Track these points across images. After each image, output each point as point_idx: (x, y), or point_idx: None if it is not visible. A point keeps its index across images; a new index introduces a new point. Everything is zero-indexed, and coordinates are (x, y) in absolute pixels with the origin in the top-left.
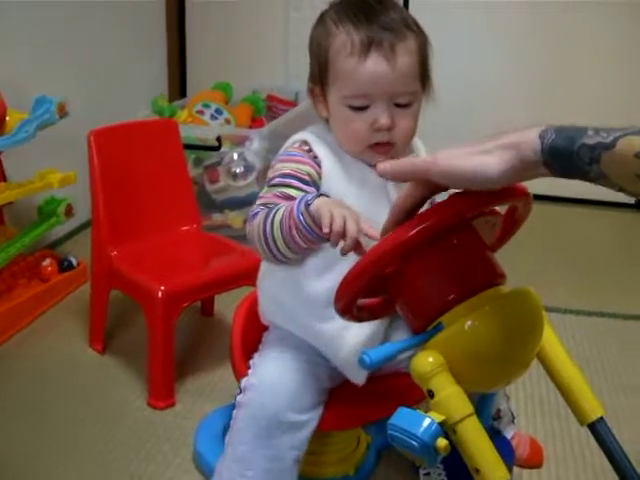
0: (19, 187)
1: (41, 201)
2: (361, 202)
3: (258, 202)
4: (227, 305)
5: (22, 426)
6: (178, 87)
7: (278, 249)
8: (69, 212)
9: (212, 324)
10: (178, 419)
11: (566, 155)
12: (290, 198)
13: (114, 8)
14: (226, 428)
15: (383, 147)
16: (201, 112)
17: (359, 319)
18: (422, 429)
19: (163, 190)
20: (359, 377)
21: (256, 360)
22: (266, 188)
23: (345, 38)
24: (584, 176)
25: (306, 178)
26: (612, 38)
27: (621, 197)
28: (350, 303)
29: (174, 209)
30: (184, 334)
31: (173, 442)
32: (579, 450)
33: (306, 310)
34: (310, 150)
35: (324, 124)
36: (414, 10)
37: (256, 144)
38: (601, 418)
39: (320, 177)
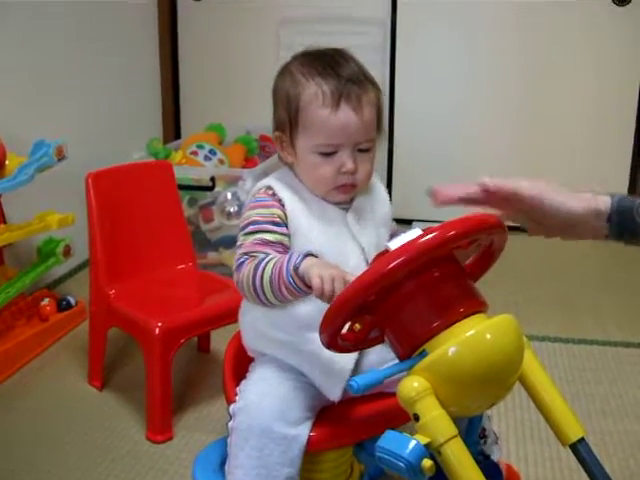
0: (19, 229)
1: (40, 242)
2: (325, 236)
3: (240, 251)
4: (223, 342)
5: (23, 462)
6: (172, 129)
7: (268, 300)
8: (67, 252)
9: (208, 360)
10: (176, 452)
11: (627, 210)
12: (268, 243)
13: (109, 56)
14: (224, 459)
15: (347, 187)
16: (195, 153)
17: (344, 350)
18: (408, 451)
19: (158, 230)
20: (334, 394)
21: (242, 386)
22: (242, 236)
23: (316, 90)
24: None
25: (277, 220)
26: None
27: None
28: (334, 334)
29: (169, 248)
30: (181, 370)
31: (171, 475)
32: (568, 474)
33: (285, 334)
34: (274, 194)
35: (286, 169)
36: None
37: (249, 183)
38: (582, 439)
39: (286, 217)
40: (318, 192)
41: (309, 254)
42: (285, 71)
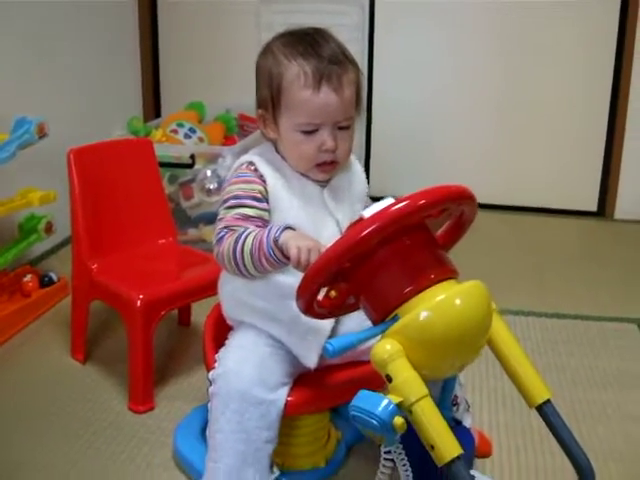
0: (1, 205)
1: (22, 219)
2: (303, 213)
3: (220, 225)
4: (203, 315)
5: (5, 434)
6: (152, 108)
7: (248, 272)
8: (49, 229)
9: (189, 333)
10: (157, 421)
11: None
12: (248, 218)
13: (89, 34)
14: (204, 427)
15: (328, 165)
16: (175, 131)
17: (320, 316)
18: (380, 408)
19: (139, 205)
20: (310, 360)
21: (221, 353)
22: (223, 210)
23: (298, 70)
24: None
25: (258, 196)
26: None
27: (582, 205)
28: (310, 300)
29: (150, 223)
30: (162, 343)
31: (153, 443)
32: (539, 440)
33: (265, 302)
34: (256, 170)
35: (269, 145)
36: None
37: (228, 161)
38: (548, 400)
39: (267, 193)
40: (300, 169)
41: (288, 227)
42: (267, 51)
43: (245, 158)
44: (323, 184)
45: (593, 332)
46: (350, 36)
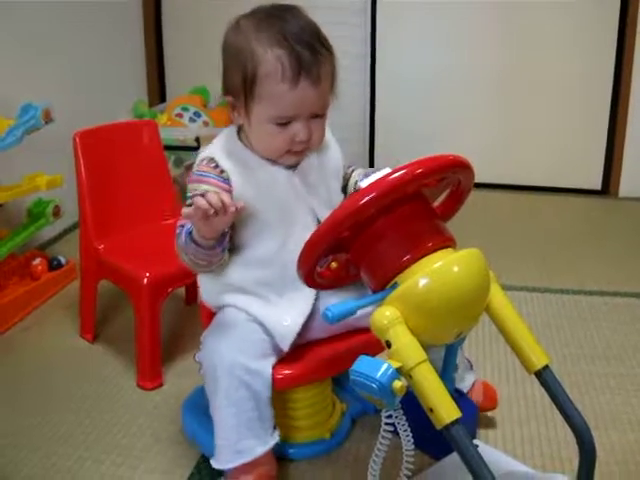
0: (8, 190)
1: (30, 203)
2: (271, 204)
3: (178, 222)
4: None
5: (17, 413)
6: (157, 92)
7: (198, 265)
8: (57, 213)
9: (195, 311)
10: (166, 397)
11: None
12: None
13: (94, 19)
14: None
15: (299, 153)
16: (180, 115)
17: (320, 286)
18: (380, 372)
19: (145, 186)
20: (284, 343)
21: (204, 336)
22: (185, 208)
23: (275, 62)
24: None
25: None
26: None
27: (587, 183)
28: (311, 271)
29: (156, 204)
30: (169, 321)
31: (162, 419)
32: (541, 411)
33: (239, 288)
34: (217, 166)
35: (230, 131)
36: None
37: None
38: (546, 366)
39: (228, 192)
40: (269, 156)
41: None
42: (237, 31)
43: (206, 153)
44: (292, 168)
45: (597, 307)
46: (353, 20)
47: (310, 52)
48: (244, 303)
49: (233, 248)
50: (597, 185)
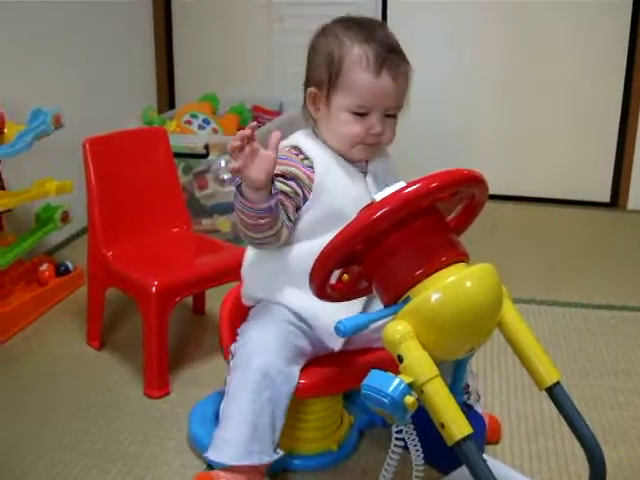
0: (18, 195)
1: (38, 209)
2: (347, 195)
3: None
4: (217, 304)
5: (23, 421)
6: (166, 99)
7: (252, 237)
8: (65, 218)
9: (203, 321)
10: (172, 406)
11: None
12: (279, 192)
13: (104, 25)
14: (218, 411)
15: (371, 146)
16: (189, 122)
17: (333, 299)
18: (392, 387)
19: (154, 194)
20: (335, 343)
21: (242, 328)
22: None
23: (361, 53)
24: None
25: (290, 175)
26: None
27: (595, 196)
28: (323, 283)
29: (165, 212)
30: (177, 330)
31: (168, 427)
32: (550, 426)
33: (291, 281)
34: (300, 152)
35: (307, 130)
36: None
37: None
38: (558, 382)
39: (308, 177)
40: (342, 146)
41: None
42: (327, 32)
43: (288, 142)
44: (364, 170)
45: (605, 321)
46: None
47: (392, 50)
48: (289, 302)
49: (296, 236)
50: (606, 197)
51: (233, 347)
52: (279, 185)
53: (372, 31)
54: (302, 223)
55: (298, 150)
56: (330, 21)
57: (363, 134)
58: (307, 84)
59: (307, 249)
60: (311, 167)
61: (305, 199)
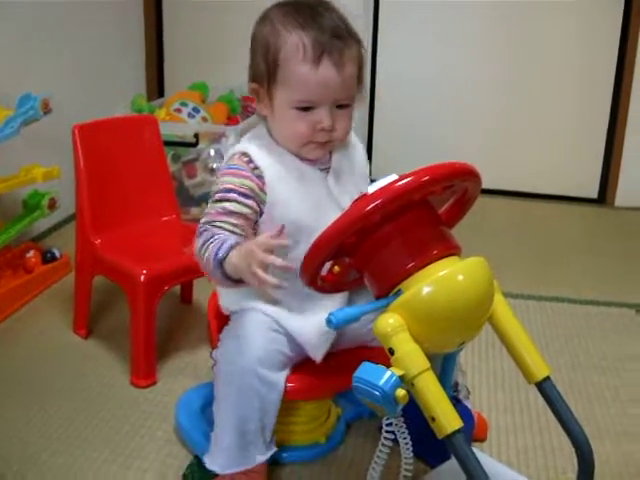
0: (5, 181)
1: (25, 195)
2: (304, 203)
3: (203, 219)
4: (204, 294)
5: (7, 409)
6: (156, 87)
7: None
8: (52, 205)
9: (191, 311)
10: (159, 396)
11: None
12: (231, 213)
13: (93, 11)
14: (205, 402)
15: (323, 144)
16: (179, 110)
17: (324, 291)
18: (383, 380)
19: (144, 182)
20: (318, 354)
21: (224, 334)
22: (210, 203)
23: (297, 43)
24: None
25: (245, 191)
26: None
27: (583, 192)
28: (314, 275)
29: (154, 200)
30: (164, 320)
31: (155, 417)
32: (536, 418)
33: (264, 295)
34: (250, 161)
35: (261, 127)
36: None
37: (232, 140)
38: (547, 377)
39: (261, 190)
40: (292, 147)
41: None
42: (265, 19)
43: (239, 148)
44: (326, 168)
45: (592, 316)
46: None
47: (334, 34)
48: (272, 311)
49: None
50: (594, 194)
51: (214, 354)
52: (236, 207)
53: (312, 16)
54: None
55: (248, 158)
56: (271, 5)
57: (310, 130)
58: (250, 78)
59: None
60: (261, 177)
61: (261, 213)
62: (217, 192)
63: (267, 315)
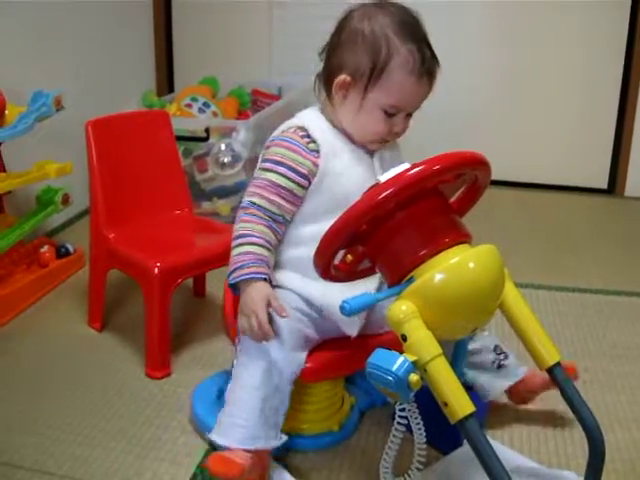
0: (18, 177)
1: (39, 191)
2: (353, 178)
3: (249, 189)
4: (217, 287)
5: (24, 403)
6: (166, 82)
7: None
8: (66, 201)
9: (204, 303)
10: (174, 387)
11: None
12: (278, 187)
13: (104, 8)
14: (220, 392)
15: (386, 142)
16: (189, 106)
17: (337, 279)
18: (396, 365)
19: (156, 176)
20: (353, 329)
21: None
22: (258, 170)
23: (408, 55)
24: None
25: (296, 167)
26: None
27: (593, 182)
28: (328, 263)
29: (167, 194)
30: (178, 312)
31: (170, 407)
32: (548, 407)
33: (299, 267)
34: (307, 136)
35: (313, 110)
36: None
37: (243, 135)
38: (558, 363)
39: (314, 164)
40: (360, 139)
41: (254, 278)
42: (370, 19)
43: (294, 122)
44: (371, 152)
45: (602, 305)
46: None
47: (432, 55)
48: (304, 290)
49: (301, 220)
50: (603, 184)
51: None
52: (283, 181)
53: (419, 31)
54: (306, 207)
55: (304, 132)
56: (368, 4)
57: (386, 133)
58: (338, 67)
59: (312, 234)
60: (316, 151)
61: (309, 183)
62: (266, 161)
63: (295, 293)
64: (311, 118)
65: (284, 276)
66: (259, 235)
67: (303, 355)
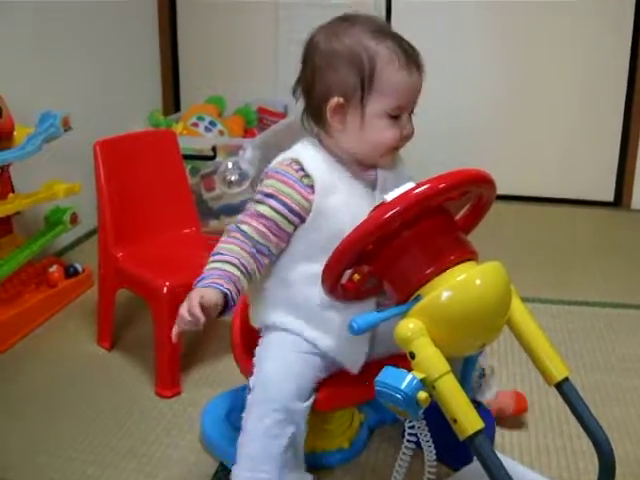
0: (27, 197)
1: (47, 211)
2: (351, 217)
3: (239, 217)
4: None
5: (34, 422)
6: (172, 102)
7: None
8: (74, 220)
9: (213, 322)
10: (184, 406)
11: None
12: (262, 217)
13: (110, 29)
14: (230, 410)
15: (397, 149)
16: (196, 125)
17: (345, 299)
18: (405, 383)
19: (164, 195)
20: (355, 366)
21: (257, 357)
22: (250, 202)
23: (390, 53)
24: None
25: (287, 201)
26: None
27: (599, 195)
28: (335, 283)
29: (175, 213)
30: (187, 331)
31: (180, 426)
32: (558, 422)
33: (299, 309)
34: (301, 169)
35: (308, 142)
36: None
37: (249, 153)
38: (566, 378)
39: (306, 199)
40: (373, 157)
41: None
42: (336, 35)
43: (289, 155)
44: (373, 180)
45: (611, 319)
46: None
47: (409, 45)
48: (303, 329)
49: (295, 258)
50: (609, 197)
51: (251, 382)
52: (270, 213)
53: (387, 26)
54: (299, 245)
55: (299, 165)
56: (327, 24)
57: (397, 138)
58: (325, 94)
59: (308, 274)
60: (310, 186)
61: (302, 220)
62: (258, 193)
63: (299, 334)
64: (307, 150)
65: (282, 318)
66: (234, 255)
67: (314, 395)
